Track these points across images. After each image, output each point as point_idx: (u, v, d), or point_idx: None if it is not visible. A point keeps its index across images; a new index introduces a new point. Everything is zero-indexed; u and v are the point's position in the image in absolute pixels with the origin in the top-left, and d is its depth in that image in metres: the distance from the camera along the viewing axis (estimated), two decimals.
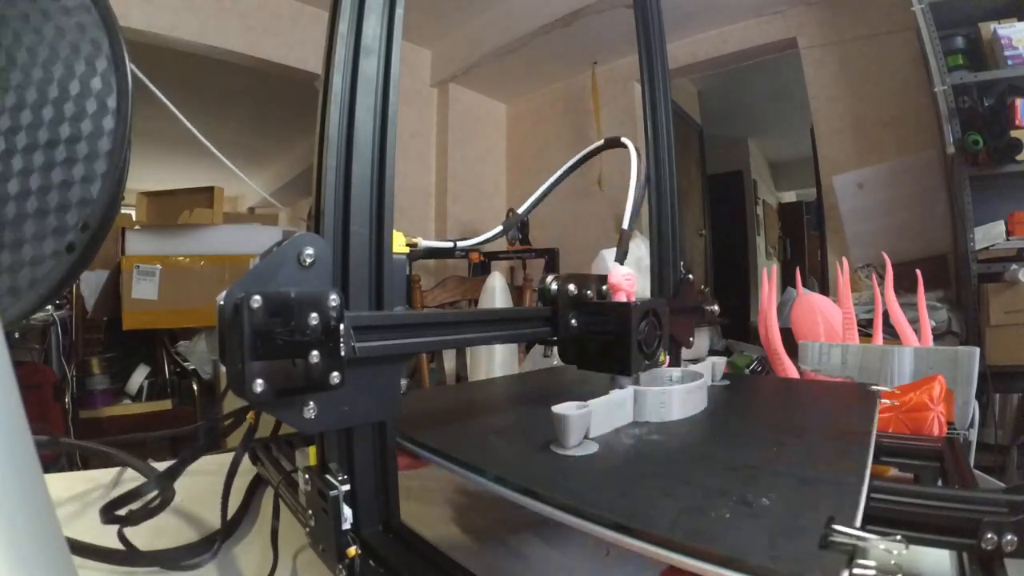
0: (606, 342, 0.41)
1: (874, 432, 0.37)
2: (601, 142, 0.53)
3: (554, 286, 0.43)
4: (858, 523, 0.24)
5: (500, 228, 0.54)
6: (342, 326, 0.27)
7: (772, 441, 0.36)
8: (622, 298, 0.42)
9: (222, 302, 0.25)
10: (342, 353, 0.27)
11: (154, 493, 0.38)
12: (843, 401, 0.50)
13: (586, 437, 0.35)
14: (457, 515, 0.47)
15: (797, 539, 0.22)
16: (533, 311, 0.42)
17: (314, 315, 0.26)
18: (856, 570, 0.20)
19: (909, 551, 0.21)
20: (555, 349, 0.45)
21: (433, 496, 0.51)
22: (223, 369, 0.31)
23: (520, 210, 0.56)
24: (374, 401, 0.31)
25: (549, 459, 0.33)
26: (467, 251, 2.15)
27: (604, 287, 0.44)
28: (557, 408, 0.34)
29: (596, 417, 0.36)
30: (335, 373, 0.27)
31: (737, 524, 0.24)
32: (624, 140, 0.51)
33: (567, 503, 0.27)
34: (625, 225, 0.48)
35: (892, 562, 0.20)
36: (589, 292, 0.44)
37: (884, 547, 0.21)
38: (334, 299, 0.27)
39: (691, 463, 0.32)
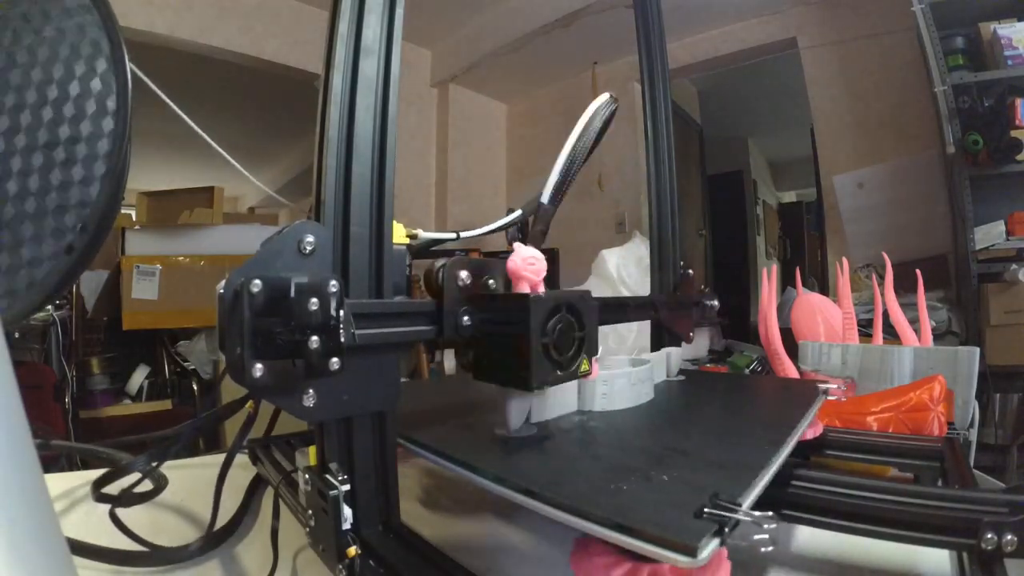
0: (506, 346, 0.33)
1: (802, 425, 0.38)
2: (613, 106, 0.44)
3: (441, 274, 0.33)
4: (748, 502, 0.25)
5: (521, 213, 0.44)
6: (342, 312, 0.27)
7: (701, 430, 0.37)
8: (524, 288, 0.33)
9: (222, 290, 0.25)
10: (342, 339, 0.27)
11: (143, 475, 0.38)
12: (789, 397, 0.51)
13: (528, 422, 0.36)
14: (455, 511, 0.47)
15: (677, 509, 0.23)
16: (413, 305, 0.33)
17: (314, 300, 0.26)
18: (731, 541, 0.22)
19: (780, 525, 0.23)
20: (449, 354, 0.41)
21: (425, 491, 0.51)
22: (223, 367, 0.31)
23: (545, 199, 0.43)
24: (373, 390, 0.31)
25: (489, 438, 0.35)
26: (467, 250, 2.15)
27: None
28: (500, 389, 0.35)
29: (538, 403, 0.37)
30: (335, 359, 0.27)
31: (629, 495, 0.25)
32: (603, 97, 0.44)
33: (484, 469, 0.29)
34: (545, 199, 0.39)
35: (765, 536, 0.22)
36: (492, 282, 0.35)
37: (754, 521, 0.22)
38: (334, 285, 0.27)
39: (614, 446, 0.34)
